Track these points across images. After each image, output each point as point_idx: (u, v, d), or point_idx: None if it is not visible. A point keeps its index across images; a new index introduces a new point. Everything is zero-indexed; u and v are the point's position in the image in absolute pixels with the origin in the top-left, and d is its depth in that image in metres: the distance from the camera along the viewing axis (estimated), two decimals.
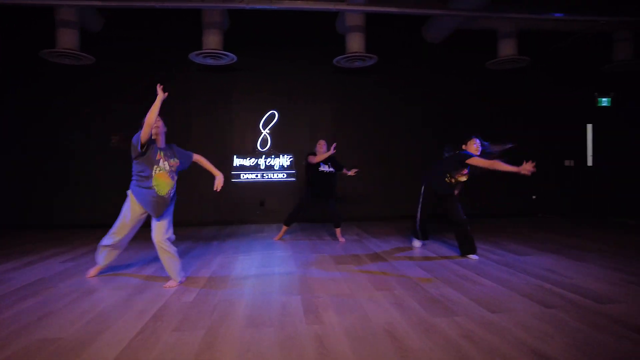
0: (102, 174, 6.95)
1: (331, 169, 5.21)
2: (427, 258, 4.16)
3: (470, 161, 4.08)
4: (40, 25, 6.48)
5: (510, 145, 4.22)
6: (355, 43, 6.45)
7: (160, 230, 3.23)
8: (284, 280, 3.36)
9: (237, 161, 7.18)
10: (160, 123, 3.40)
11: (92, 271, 3.59)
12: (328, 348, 2.06)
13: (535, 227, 6.32)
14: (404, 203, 7.23)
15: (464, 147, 4.31)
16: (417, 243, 4.72)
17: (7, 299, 2.96)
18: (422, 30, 7.43)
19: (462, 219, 4.22)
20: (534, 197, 7.82)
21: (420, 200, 4.52)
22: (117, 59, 7.01)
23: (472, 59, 7.53)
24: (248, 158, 7.22)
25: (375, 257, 4.24)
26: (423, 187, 4.53)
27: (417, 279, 3.35)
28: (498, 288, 3.05)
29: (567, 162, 7.95)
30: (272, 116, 7.27)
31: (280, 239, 5.47)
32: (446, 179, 4.30)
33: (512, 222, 6.95)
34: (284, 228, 5.46)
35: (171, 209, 3.44)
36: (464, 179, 4.34)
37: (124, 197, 3.39)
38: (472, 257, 4.13)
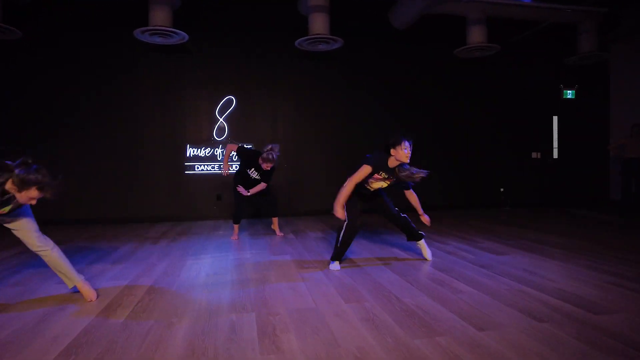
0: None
1: (258, 177, 4.72)
2: (397, 259, 3.80)
3: (359, 171, 3.32)
4: None
5: (425, 174, 3.46)
6: (318, 24, 5.97)
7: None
8: (235, 292, 2.88)
9: (190, 151, 6.57)
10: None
11: None
12: None
13: (504, 221, 6.15)
14: None
15: (392, 151, 3.30)
16: (335, 266, 3.49)
17: None
18: (389, 15, 7.04)
19: (396, 211, 3.71)
20: (502, 189, 7.69)
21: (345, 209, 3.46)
22: (48, 34, 6.17)
23: (440, 47, 7.26)
24: (203, 148, 6.62)
25: (343, 258, 3.84)
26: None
27: (389, 285, 2.97)
28: (479, 296, 2.71)
29: (534, 154, 7.88)
30: (229, 102, 6.68)
31: (236, 238, 4.95)
32: (365, 185, 3.50)
33: (479, 214, 6.77)
34: (235, 227, 4.98)
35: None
36: (381, 184, 3.49)
37: None
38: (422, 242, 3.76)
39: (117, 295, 2.81)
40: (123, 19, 6.10)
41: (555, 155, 8.03)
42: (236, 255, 4.09)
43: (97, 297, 2.74)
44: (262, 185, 4.65)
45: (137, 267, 3.62)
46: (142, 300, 2.71)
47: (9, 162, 2.30)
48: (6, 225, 2.58)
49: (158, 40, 5.81)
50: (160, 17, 5.61)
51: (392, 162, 3.33)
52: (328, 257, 3.86)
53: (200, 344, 2.03)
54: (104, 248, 4.45)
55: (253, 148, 5.10)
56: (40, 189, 2.30)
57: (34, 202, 2.35)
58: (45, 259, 2.67)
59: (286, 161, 6.73)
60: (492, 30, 6.66)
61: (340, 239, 3.52)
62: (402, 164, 3.33)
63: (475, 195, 7.64)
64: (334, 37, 5.91)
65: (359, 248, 4.25)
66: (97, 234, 5.37)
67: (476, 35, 6.58)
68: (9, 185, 2.26)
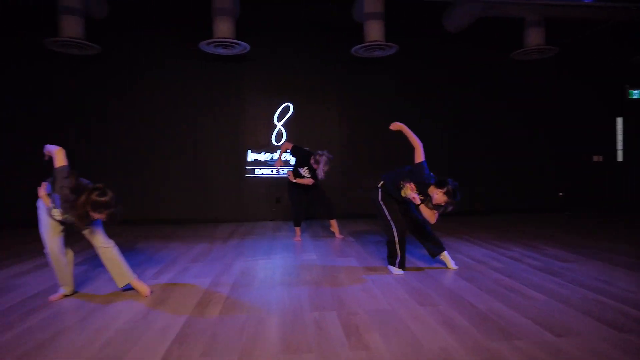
0: (105, 170, 6.69)
1: (308, 175, 5.02)
2: (463, 264, 3.86)
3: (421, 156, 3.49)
4: (43, 13, 6.15)
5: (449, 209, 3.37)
6: (374, 31, 6.11)
7: None
8: (313, 292, 3.08)
9: (251, 156, 6.89)
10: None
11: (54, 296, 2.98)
12: None
13: (566, 227, 6.00)
14: None
15: (431, 187, 3.37)
16: (398, 271, 3.56)
17: (18, 310, 2.71)
18: (443, 19, 7.04)
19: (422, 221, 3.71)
20: (560, 194, 7.47)
21: (383, 206, 3.63)
22: (124, 48, 6.70)
23: (496, 50, 7.17)
24: (262, 152, 6.92)
25: (408, 263, 3.95)
26: (380, 189, 3.74)
27: (459, 290, 3.05)
28: (552, 303, 2.75)
29: (595, 158, 7.60)
30: (286, 109, 6.95)
31: (299, 239, 5.18)
32: (400, 184, 3.54)
33: (539, 220, 6.62)
34: (297, 229, 5.26)
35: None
36: (412, 196, 3.42)
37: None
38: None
39: (205, 292, 3.08)
40: (189, 31, 6.50)
41: (620, 158, 7.69)
42: (303, 256, 4.30)
43: (151, 292, 3.02)
44: (308, 181, 4.95)
45: (215, 265, 3.92)
46: (229, 297, 2.96)
47: (86, 183, 2.70)
48: None
49: (221, 51, 6.15)
50: (223, 28, 5.95)
51: (430, 190, 3.37)
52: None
53: (293, 340, 2.22)
54: (180, 247, 4.81)
55: (308, 149, 5.33)
56: (109, 214, 2.64)
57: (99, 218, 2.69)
58: (105, 256, 2.95)
59: (341, 165, 6.90)
60: (551, 31, 6.51)
61: (397, 246, 3.56)
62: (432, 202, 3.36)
63: (533, 200, 7.47)
64: (389, 43, 6.02)
65: (421, 253, 4.34)
66: (169, 234, 5.78)
67: (534, 37, 6.46)
68: (80, 201, 2.58)
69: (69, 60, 6.38)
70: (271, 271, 3.71)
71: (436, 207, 3.37)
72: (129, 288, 3.06)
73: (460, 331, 2.31)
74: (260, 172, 6.90)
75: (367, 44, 6.09)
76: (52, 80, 6.56)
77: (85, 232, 2.92)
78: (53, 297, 2.93)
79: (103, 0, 6.33)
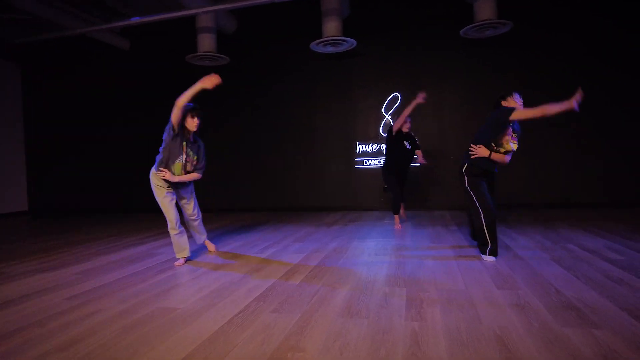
0: (234, 166, 7.66)
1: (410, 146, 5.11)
2: (570, 253, 3.49)
3: (515, 115, 3.16)
4: (182, 32, 7.33)
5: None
6: (485, 10, 5.75)
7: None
8: (392, 270, 3.18)
9: (359, 147, 7.14)
10: (198, 121, 3.54)
11: (178, 262, 3.64)
12: (422, 349, 1.84)
13: None
14: (541, 188, 6.29)
15: (503, 102, 3.49)
16: (489, 258, 3.39)
17: (151, 270, 3.45)
18: None
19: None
20: None
21: (471, 192, 3.43)
22: (248, 57, 7.58)
23: (624, 16, 6.04)
24: (370, 144, 7.11)
25: (503, 248, 3.74)
26: (465, 175, 3.49)
27: (551, 278, 2.82)
28: None
29: None
30: (394, 99, 7.00)
31: (399, 227, 5.23)
32: (498, 145, 3.35)
33: None
34: (396, 217, 5.27)
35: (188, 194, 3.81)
36: (513, 146, 3.32)
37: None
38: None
39: (296, 265, 3.44)
40: (301, 34, 7.03)
41: None
42: (397, 241, 4.39)
43: (215, 249, 4.14)
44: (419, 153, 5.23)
45: (313, 244, 4.28)
46: (314, 270, 3.26)
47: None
48: (182, 195, 3.73)
49: (330, 49, 6.52)
50: (332, 27, 6.30)
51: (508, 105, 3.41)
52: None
53: (355, 307, 2.40)
54: (289, 230, 5.33)
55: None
56: (191, 116, 3.44)
57: (194, 127, 3.48)
58: (194, 224, 3.89)
59: (453, 154, 6.67)
60: None
61: (485, 232, 3.34)
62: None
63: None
64: (503, 20, 5.60)
65: (530, 242, 4.02)
66: (283, 219, 6.40)
67: None
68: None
69: (203, 70, 7.50)
70: (360, 251, 3.90)
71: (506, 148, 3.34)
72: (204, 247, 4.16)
73: (530, 314, 2.19)
74: (368, 162, 7.09)
75: (477, 23, 5.78)
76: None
77: (184, 201, 3.77)
78: (177, 263, 3.61)
79: (232, 16, 7.29)
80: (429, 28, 6.83)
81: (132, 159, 8.22)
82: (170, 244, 4.63)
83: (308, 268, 3.34)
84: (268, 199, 7.58)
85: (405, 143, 5.07)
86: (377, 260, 3.53)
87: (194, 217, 3.86)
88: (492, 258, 3.39)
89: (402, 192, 5.27)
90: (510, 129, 3.34)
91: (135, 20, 6.61)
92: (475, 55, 6.70)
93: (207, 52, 6.61)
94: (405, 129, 5.04)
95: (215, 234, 5.12)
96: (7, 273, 3.54)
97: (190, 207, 3.81)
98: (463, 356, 1.76)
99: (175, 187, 3.62)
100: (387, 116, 7.04)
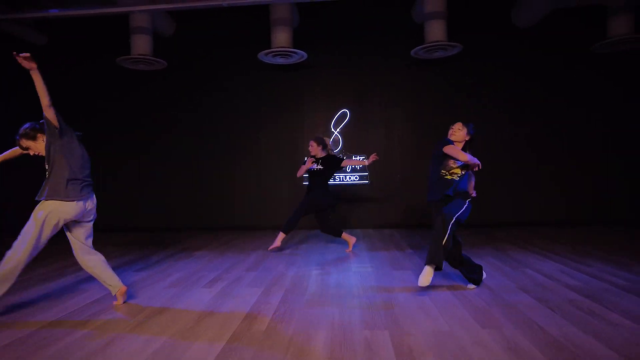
0: (170, 178, 7.03)
1: (320, 167, 4.90)
2: (532, 281, 3.50)
3: (447, 149, 3.22)
4: (115, 32, 6.61)
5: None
6: (435, 31, 5.83)
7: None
8: (364, 307, 2.93)
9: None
10: None
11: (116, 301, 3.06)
12: None
13: None
14: (488, 208, 6.50)
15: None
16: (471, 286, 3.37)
17: (76, 315, 2.86)
18: (512, 13, 6.57)
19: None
20: None
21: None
22: (188, 63, 7.02)
23: (574, 43, 6.54)
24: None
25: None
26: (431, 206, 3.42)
27: (527, 311, 2.75)
28: None
29: None
30: (343, 115, 6.86)
31: (350, 250, 5.00)
32: (445, 169, 3.32)
33: (626, 233, 5.90)
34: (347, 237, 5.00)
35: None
36: (457, 172, 3.29)
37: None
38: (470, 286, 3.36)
39: (249, 313, 3.06)
40: (248, 43, 6.64)
41: None
42: (359, 267, 4.17)
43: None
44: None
45: (268, 275, 3.91)
46: (278, 310, 2.91)
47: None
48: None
49: (280, 60, 6.22)
50: (281, 38, 6.01)
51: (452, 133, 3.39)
52: (454, 277, 3.72)
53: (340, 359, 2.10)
54: (238, 255, 4.90)
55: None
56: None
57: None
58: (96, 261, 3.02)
59: (399, 171, 6.68)
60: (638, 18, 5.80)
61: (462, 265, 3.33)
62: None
63: (618, 211, 6.68)
64: (453, 43, 5.71)
65: (491, 269, 4.00)
66: (229, 241, 5.92)
67: (620, 27, 5.78)
68: None
69: (137, 75, 6.80)
70: (324, 284, 3.62)
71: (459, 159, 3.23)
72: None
73: None
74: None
75: (428, 44, 5.83)
76: (123, 94, 7.07)
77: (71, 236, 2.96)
78: (116, 302, 3.05)
79: (170, 18, 6.70)
80: (381, 45, 6.82)
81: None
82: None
83: (272, 306, 2.97)
84: (210, 217, 7.02)
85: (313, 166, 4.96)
86: (343, 294, 3.26)
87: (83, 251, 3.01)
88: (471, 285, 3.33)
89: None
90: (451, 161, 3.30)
91: (53, 12, 5.78)
92: (424, 76, 6.79)
93: (142, 54, 5.97)
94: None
95: (143, 264, 4.52)
96: None
97: (79, 237, 2.98)
98: None
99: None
100: (335, 132, 6.87)
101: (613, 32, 5.81)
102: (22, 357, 2.22)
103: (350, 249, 4.98)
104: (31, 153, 2.90)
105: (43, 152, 2.82)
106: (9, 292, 2.78)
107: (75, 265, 3.68)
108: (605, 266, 3.95)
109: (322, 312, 2.84)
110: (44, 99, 2.64)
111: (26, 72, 2.61)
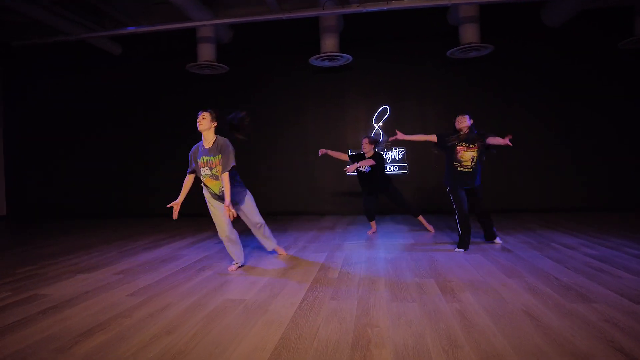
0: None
1: (367, 169, 5.36)
2: (553, 249, 4.12)
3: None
4: (183, 43, 7.56)
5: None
6: (469, 33, 6.43)
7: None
8: (412, 264, 3.67)
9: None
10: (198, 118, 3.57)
11: (231, 267, 3.70)
12: (471, 321, 2.32)
13: None
14: (517, 195, 7.05)
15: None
16: (459, 250, 4.21)
17: (189, 270, 3.73)
18: (541, 14, 7.06)
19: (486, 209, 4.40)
20: None
21: (450, 195, 4.31)
22: (247, 67, 7.90)
23: (601, 42, 6.95)
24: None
25: (500, 246, 4.32)
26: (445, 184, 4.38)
27: (546, 268, 3.40)
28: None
29: None
30: (384, 111, 7.56)
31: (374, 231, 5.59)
32: (458, 158, 4.20)
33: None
34: (372, 223, 5.60)
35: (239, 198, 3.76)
36: (472, 154, 4.15)
37: None
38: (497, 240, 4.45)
39: (324, 263, 3.84)
40: (299, 48, 7.45)
41: None
42: (403, 240, 4.89)
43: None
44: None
45: (327, 246, 4.69)
46: (344, 266, 3.69)
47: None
48: (233, 206, 3.65)
49: (327, 63, 6.99)
50: (329, 44, 6.76)
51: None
52: (482, 244, 4.39)
53: (399, 294, 2.85)
54: (294, 233, 5.72)
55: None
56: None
57: (199, 127, 3.56)
58: (255, 232, 4.00)
59: (434, 162, 7.33)
60: None
61: (459, 228, 4.20)
62: (471, 130, 4.18)
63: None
64: (485, 44, 6.30)
65: (519, 242, 4.64)
66: (285, 223, 6.76)
67: None
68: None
69: (203, 79, 7.74)
70: (374, 248, 4.37)
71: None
72: (274, 252, 4.18)
73: (542, 295, 2.73)
74: (359, 169, 7.59)
75: (462, 46, 6.44)
76: (188, 96, 8.04)
77: (240, 213, 3.83)
78: (231, 268, 3.68)
79: (228, 27, 7.59)
80: (417, 47, 7.46)
81: (119, 164, 8.34)
82: (188, 246, 4.90)
83: (338, 263, 3.76)
84: (264, 203, 7.89)
85: (362, 168, 5.39)
86: (395, 257, 4.00)
87: (253, 226, 3.94)
88: (461, 250, 4.15)
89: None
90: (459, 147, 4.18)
91: (131, 29, 6.74)
92: (458, 75, 7.39)
93: (207, 61, 6.88)
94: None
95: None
96: (42, 275, 3.68)
97: (246, 216, 3.87)
98: (506, 325, 2.25)
99: (219, 198, 3.60)
100: (376, 127, 7.59)
101: (639, 31, 6.24)
102: (166, 289, 3.11)
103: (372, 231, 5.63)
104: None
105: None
106: None
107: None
108: (622, 241, 4.49)
109: (380, 266, 3.60)
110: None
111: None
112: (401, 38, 7.50)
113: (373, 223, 5.62)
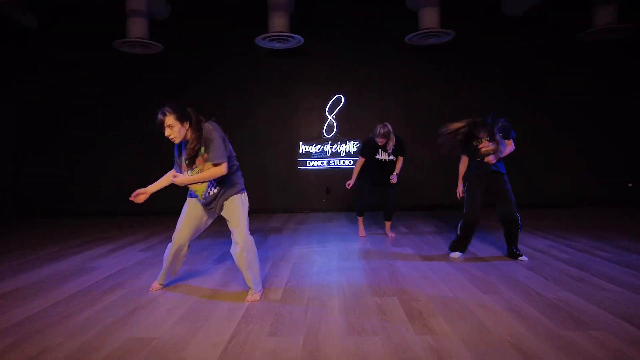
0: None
1: (391, 157, 4.53)
2: (525, 254, 3.71)
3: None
4: (111, 16, 6.54)
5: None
6: (429, 18, 5.96)
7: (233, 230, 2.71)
8: (371, 276, 3.10)
9: (302, 148, 6.99)
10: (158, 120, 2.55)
11: (154, 284, 2.94)
12: None
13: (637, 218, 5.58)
14: None
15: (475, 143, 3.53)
16: (455, 254, 3.67)
17: (97, 288, 2.95)
18: (502, 2, 6.74)
19: (514, 211, 3.45)
20: (630, 184, 6.96)
21: (464, 196, 3.63)
22: (185, 47, 7.01)
23: (561, 32, 6.75)
24: (314, 145, 7.00)
25: (468, 254, 3.86)
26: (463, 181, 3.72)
27: (524, 279, 2.95)
28: (628, 295, 2.59)
29: None
30: (338, 100, 6.98)
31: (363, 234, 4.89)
32: (477, 152, 3.47)
33: (608, 212, 6.20)
34: (359, 219, 4.93)
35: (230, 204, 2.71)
36: (490, 148, 3.41)
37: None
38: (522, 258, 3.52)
39: (266, 277, 3.19)
40: (245, 27, 6.68)
41: None
42: (359, 245, 4.33)
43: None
44: (400, 161, 4.62)
45: (273, 253, 4.04)
46: (289, 282, 3.05)
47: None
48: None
49: (277, 45, 6.28)
50: (278, 23, 6.06)
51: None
52: (446, 248, 3.92)
53: (357, 323, 2.25)
54: None
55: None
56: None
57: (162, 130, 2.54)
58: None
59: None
60: (626, 9, 6.04)
61: (459, 231, 3.62)
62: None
63: (601, 192, 7.00)
64: (446, 30, 5.86)
65: (486, 244, 4.22)
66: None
67: (605, 16, 6.01)
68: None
69: (134, 58, 6.76)
70: (327, 257, 3.77)
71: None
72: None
73: (529, 319, 2.24)
74: (311, 163, 6.98)
75: (422, 31, 5.97)
76: (119, 78, 7.03)
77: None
78: (154, 286, 2.91)
79: (164, 1, 6.65)
80: (373, 32, 6.92)
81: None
82: (105, 254, 4.08)
83: (282, 278, 3.12)
84: None
85: (381, 155, 4.55)
86: (349, 267, 3.42)
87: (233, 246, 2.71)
88: (457, 253, 3.63)
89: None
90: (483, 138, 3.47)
91: None
92: (417, 62, 6.94)
93: (138, 38, 5.94)
94: (383, 143, 4.48)
95: (150, 243, 4.60)
96: None
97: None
98: None
99: (206, 204, 2.70)
100: (330, 117, 6.99)
101: (598, 21, 6.05)
102: (52, 323, 2.32)
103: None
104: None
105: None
106: None
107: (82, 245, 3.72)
108: (591, 241, 4.19)
109: (332, 282, 2.99)
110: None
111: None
112: (357, 22, 6.92)
113: (361, 220, 4.91)
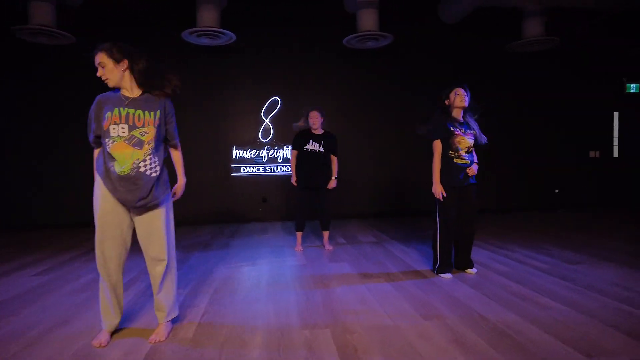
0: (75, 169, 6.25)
1: (321, 149, 4.17)
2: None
3: (435, 150, 3.32)
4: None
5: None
6: (367, 21, 5.77)
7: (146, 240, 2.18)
8: (303, 304, 2.74)
9: (236, 153, 6.51)
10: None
11: (99, 339, 2.14)
12: None
13: (566, 224, 5.74)
14: (418, 197, 6.65)
15: (447, 102, 3.41)
16: (445, 275, 3.31)
17: None
18: (438, 9, 6.74)
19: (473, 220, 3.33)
20: (556, 190, 7.25)
21: (436, 205, 3.29)
22: (100, 38, 6.24)
23: (493, 42, 6.87)
24: (248, 150, 6.55)
25: (407, 268, 3.63)
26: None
27: (466, 299, 2.74)
28: (572, 313, 2.45)
29: (592, 154, 7.39)
30: (274, 103, 6.58)
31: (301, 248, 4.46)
32: (454, 148, 3.24)
33: (535, 217, 6.37)
34: (298, 234, 4.46)
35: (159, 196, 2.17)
36: (469, 142, 3.28)
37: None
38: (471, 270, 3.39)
39: (180, 306, 2.72)
40: (171, 20, 6.10)
41: (616, 153, 7.50)
42: (294, 261, 3.96)
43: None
44: (335, 161, 4.27)
45: (194, 274, 3.56)
46: (207, 312, 2.61)
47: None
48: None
49: (205, 41, 5.77)
50: (208, 17, 5.56)
51: (456, 113, 3.37)
52: (390, 266, 3.68)
53: None
54: None
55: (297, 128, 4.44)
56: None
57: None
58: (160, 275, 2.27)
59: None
60: (552, 22, 6.25)
61: (437, 246, 3.31)
62: (465, 111, 3.42)
63: (528, 198, 7.23)
64: (384, 33, 5.69)
65: (424, 257, 4.03)
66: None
67: (533, 28, 6.19)
68: None
69: (39, 49, 5.91)
70: (255, 280, 3.36)
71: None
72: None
73: (474, 351, 1.99)
74: (246, 170, 6.51)
75: (360, 34, 5.75)
76: (20, 70, 6.12)
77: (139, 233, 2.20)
78: (99, 341, 2.13)
79: None
80: (311, 33, 6.61)
81: None
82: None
83: (199, 308, 2.66)
84: None
85: (312, 145, 4.20)
86: (279, 291, 3.04)
87: (150, 261, 2.27)
88: (447, 275, 3.30)
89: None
90: (456, 132, 3.27)
91: None
92: (354, 66, 6.73)
93: (42, 25, 5.16)
94: (315, 126, 4.20)
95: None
96: None
97: (143, 240, 2.23)
98: None
99: (129, 192, 2.08)
100: (266, 121, 6.57)
101: (527, 33, 6.21)
102: None
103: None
104: None
105: None
106: None
107: None
108: (526, 251, 4.15)
109: (257, 311, 2.59)
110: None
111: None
112: (294, 21, 6.58)
113: (300, 235, 4.42)
